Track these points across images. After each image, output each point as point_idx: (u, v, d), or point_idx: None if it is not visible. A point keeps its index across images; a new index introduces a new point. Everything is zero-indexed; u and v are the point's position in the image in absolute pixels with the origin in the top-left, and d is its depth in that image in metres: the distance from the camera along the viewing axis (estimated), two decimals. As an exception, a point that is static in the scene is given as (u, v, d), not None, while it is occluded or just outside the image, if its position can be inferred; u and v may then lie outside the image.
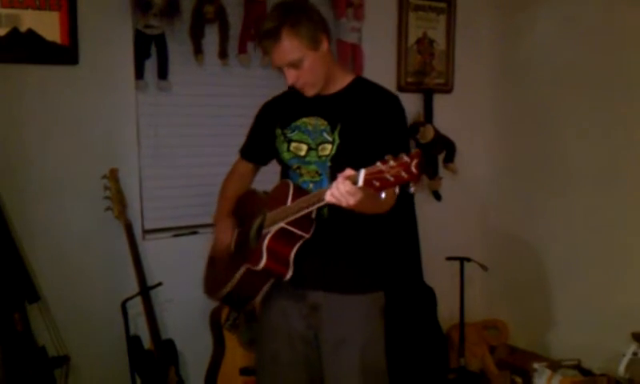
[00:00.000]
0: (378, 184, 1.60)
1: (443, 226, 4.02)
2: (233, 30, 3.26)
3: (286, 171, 2.21)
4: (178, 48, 3.16)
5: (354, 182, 1.66)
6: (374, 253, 2.19)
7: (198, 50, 3.17)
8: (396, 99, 2.12)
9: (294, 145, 2.15)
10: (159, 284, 2.99)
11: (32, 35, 2.79)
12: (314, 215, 1.98)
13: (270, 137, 2.23)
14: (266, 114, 2.31)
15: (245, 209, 2.33)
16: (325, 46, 2.03)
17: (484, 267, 3.67)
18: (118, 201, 2.94)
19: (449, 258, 3.69)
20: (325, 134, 2.08)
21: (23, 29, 2.77)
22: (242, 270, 2.08)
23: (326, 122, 2.09)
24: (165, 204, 3.26)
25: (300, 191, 2.02)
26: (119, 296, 2.88)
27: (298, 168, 2.14)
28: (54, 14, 2.83)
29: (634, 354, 3.03)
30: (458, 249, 3.75)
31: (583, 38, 3.58)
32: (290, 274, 2.02)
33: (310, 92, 2.08)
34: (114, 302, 2.90)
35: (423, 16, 3.91)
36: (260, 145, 2.33)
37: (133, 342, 2.92)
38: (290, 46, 1.97)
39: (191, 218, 3.31)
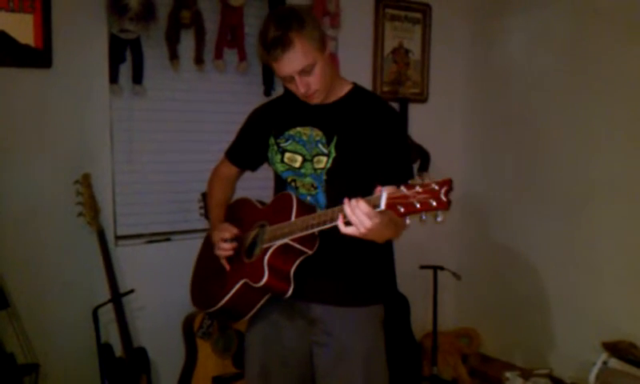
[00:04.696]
0: (402, 210, 1.53)
1: (416, 234, 4.02)
2: (209, 35, 3.25)
3: (281, 182, 2.11)
4: (154, 53, 3.14)
5: (375, 205, 1.58)
6: (373, 265, 2.09)
7: (173, 55, 3.15)
8: (395, 112, 2.06)
9: (288, 155, 2.04)
10: (131, 291, 2.95)
11: (4, 37, 2.75)
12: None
13: (261, 144, 2.13)
14: (259, 119, 2.19)
15: (239, 219, 2.17)
16: (328, 48, 1.94)
17: (457, 276, 3.69)
18: (91, 207, 2.91)
19: (422, 267, 3.71)
20: (320, 146, 1.98)
21: (-5, 31, 2.74)
22: (239, 285, 1.98)
23: (321, 133, 1.99)
24: (138, 210, 3.23)
25: (304, 207, 1.93)
26: (90, 303, 2.84)
27: (293, 181, 2.04)
28: (28, 16, 2.79)
29: (604, 362, 3.07)
30: (432, 257, 3.77)
31: (555, 49, 3.64)
32: (291, 291, 1.92)
33: (317, 99, 1.97)
34: (85, 309, 2.86)
35: (399, 26, 3.94)
36: (249, 150, 2.21)
37: (104, 349, 2.88)
38: (302, 50, 1.85)
39: (164, 225, 3.29)
